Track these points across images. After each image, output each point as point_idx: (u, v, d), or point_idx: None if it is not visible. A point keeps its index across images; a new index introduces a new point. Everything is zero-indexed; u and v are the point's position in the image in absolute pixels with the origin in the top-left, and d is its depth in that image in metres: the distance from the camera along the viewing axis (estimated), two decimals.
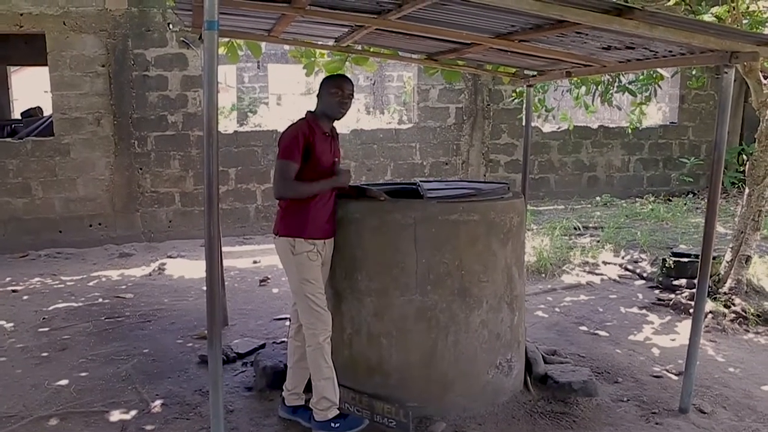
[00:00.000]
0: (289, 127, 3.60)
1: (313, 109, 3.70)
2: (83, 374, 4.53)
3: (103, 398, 4.14)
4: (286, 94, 19.94)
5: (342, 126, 11.06)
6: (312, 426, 3.58)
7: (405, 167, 10.60)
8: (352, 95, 3.67)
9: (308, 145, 3.49)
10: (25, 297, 6.59)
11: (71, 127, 8.92)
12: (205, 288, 3.03)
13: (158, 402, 4.05)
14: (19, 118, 12.48)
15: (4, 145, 8.86)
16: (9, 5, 8.42)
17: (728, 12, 5.47)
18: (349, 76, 3.99)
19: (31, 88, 16.96)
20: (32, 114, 12.03)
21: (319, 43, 5.24)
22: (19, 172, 8.77)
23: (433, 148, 10.76)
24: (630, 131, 9.77)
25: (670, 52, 3.73)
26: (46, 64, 8.93)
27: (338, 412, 3.56)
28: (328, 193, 3.63)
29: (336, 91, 3.57)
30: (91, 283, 7.13)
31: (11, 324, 5.65)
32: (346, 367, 3.85)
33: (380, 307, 3.71)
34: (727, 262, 5.84)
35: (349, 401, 3.76)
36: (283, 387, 3.83)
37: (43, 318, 5.82)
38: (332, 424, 3.52)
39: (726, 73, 3.52)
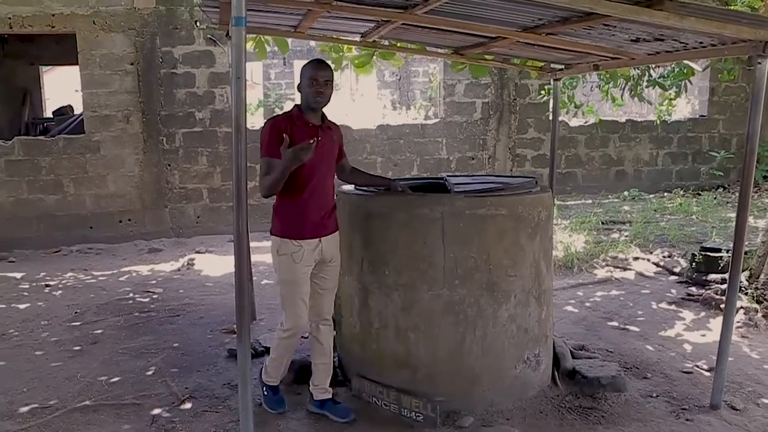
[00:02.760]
0: (267, 121, 3.52)
1: (299, 103, 3.59)
2: (114, 367, 4.60)
3: (133, 391, 4.20)
4: None
5: (368, 121, 11.12)
6: (258, 378, 3.89)
7: (431, 162, 10.58)
8: (330, 81, 3.48)
9: (286, 136, 3.32)
10: (57, 292, 6.71)
11: (101, 125, 9.06)
12: (233, 283, 3.06)
13: (187, 396, 4.10)
14: (51, 116, 12.71)
15: (36, 143, 9.02)
16: (41, 6, 8.57)
17: (762, 0, 5.37)
18: (373, 70, 3.90)
19: (63, 87, 17.24)
20: (63, 112, 12.25)
21: (346, 38, 5.25)
22: (51, 169, 8.94)
23: (459, 143, 10.73)
24: (658, 124, 9.63)
25: (701, 43, 3.66)
26: (76, 64, 9.08)
27: (276, 384, 3.85)
28: (321, 190, 3.53)
29: (311, 80, 3.43)
30: (121, 278, 7.24)
31: (45, 318, 5.76)
32: (374, 362, 3.86)
33: (408, 302, 3.71)
34: (759, 257, 5.74)
35: (376, 395, 3.78)
36: (310, 382, 3.86)
37: (75, 312, 5.93)
38: (264, 390, 3.86)
39: (760, 63, 3.45)
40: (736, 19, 3.14)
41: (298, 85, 3.54)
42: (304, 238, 3.49)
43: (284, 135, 3.33)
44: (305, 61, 3.67)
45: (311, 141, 3.29)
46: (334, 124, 3.73)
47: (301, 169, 3.39)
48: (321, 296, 3.70)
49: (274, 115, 3.55)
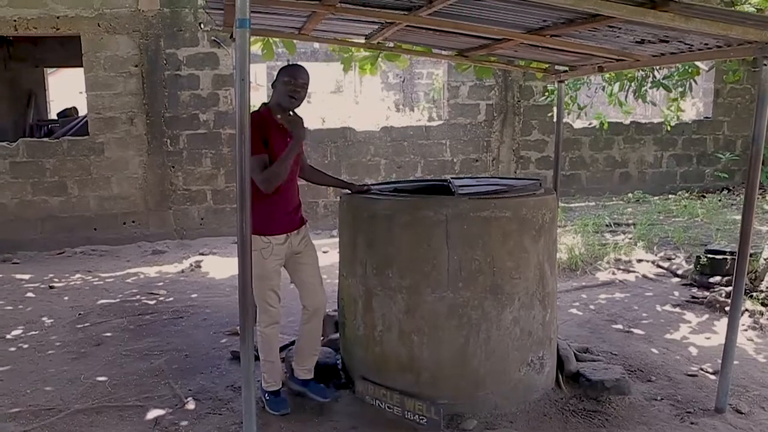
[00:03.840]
0: None
1: (267, 101, 3.72)
2: (118, 369, 4.61)
3: (137, 393, 4.20)
4: (316, 93, 20.00)
5: (372, 123, 11.11)
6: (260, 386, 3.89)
7: (435, 164, 10.57)
8: (306, 86, 3.62)
9: (265, 137, 3.51)
10: (61, 293, 6.72)
11: (105, 127, 9.08)
12: (236, 285, 3.05)
13: (190, 397, 4.10)
14: (56, 118, 12.75)
15: (41, 144, 9.05)
16: (46, 9, 8.60)
17: None
18: (377, 72, 3.98)
19: (67, 89, 17.28)
20: (68, 114, 12.29)
21: (350, 40, 5.24)
22: (55, 171, 8.96)
23: (463, 145, 10.72)
24: (668, 129, 9.57)
25: (706, 44, 3.65)
26: (81, 66, 9.11)
27: (277, 388, 3.87)
28: (289, 187, 3.69)
29: (288, 80, 3.55)
30: (125, 280, 7.25)
31: (49, 320, 5.77)
32: (377, 364, 3.86)
33: (411, 304, 3.70)
34: (765, 260, 5.72)
35: (380, 398, 3.77)
36: (293, 358, 4.08)
37: (79, 314, 5.93)
38: (265, 395, 3.87)
39: (765, 65, 3.43)
40: (742, 20, 3.13)
41: (273, 83, 3.65)
42: (273, 234, 3.63)
43: (288, 141, 3.56)
44: (310, 63, 3.76)
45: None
46: (298, 117, 3.74)
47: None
48: (304, 287, 3.88)
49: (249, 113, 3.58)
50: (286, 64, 16.51)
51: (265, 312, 3.75)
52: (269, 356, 3.86)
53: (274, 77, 3.65)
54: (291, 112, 3.66)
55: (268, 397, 3.87)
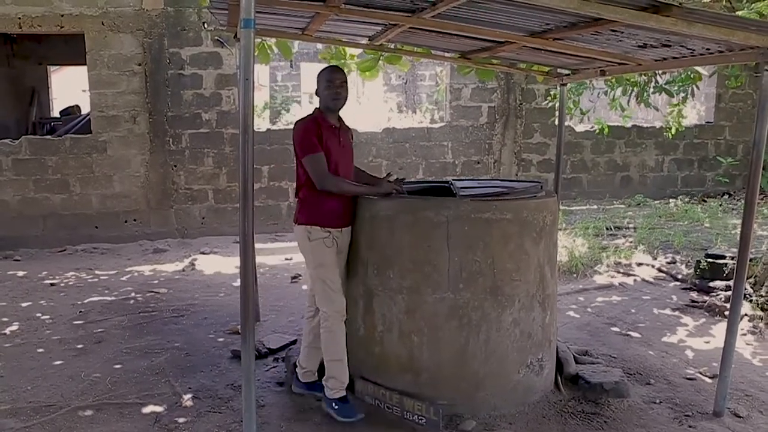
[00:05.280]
0: (297, 123, 3.73)
1: (318, 105, 3.82)
2: (118, 367, 4.62)
3: (137, 390, 4.21)
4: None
5: (374, 124, 11.13)
6: (323, 398, 3.80)
7: (437, 166, 10.58)
8: (345, 83, 3.74)
9: (318, 137, 3.63)
10: (62, 291, 6.73)
11: (108, 125, 9.09)
12: (237, 284, 3.07)
13: (190, 395, 4.11)
14: (59, 116, 12.78)
15: (43, 142, 9.06)
16: (51, 7, 8.62)
17: None
18: (379, 74, 4.06)
19: (70, 87, 17.29)
20: (71, 112, 12.33)
21: (353, 41, 5.26)
22: (57, 168, 8.97)
23: (465, 147, 10.73)
24: (671, 135, 9.59)
25: (708, 49, 3.67)
26: (84, 64, 9.12)
27: (344, 394, 3.74)
28: None
29: (328, 84, 3.69)
30: (125, 278, 7.26)
31: (49, 317, 5.78)
32: (377, 364, 3.87)
33: (412, 305, 3.71)
34: (765, 265, 5.73)
35: (379, 398, 3.78)
36: (297, 363, 4.03)
37: (80, 311, 5.94)
38: (333, 405, 3.72)
39: (767, 70, 3.44)
40: (744, 25, 3.14)
41: (316, 90, 3.78)
42: (332, 227, 3.74)
43: (341, 143, 3.77)
44: (312, 64, 3.84)
45: (345, 150, 3.79)
46: (347, 125, 3.95)
47: (336, 168, 3.70)
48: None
49: (301, 118, 3.76)
50: (290, 63, 16.38)
51: (332, 303, 3.67)
52: (335, 355, 3.72)
53: (315, 82, 3.78)
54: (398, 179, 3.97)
55: (336, 406, 3.70)
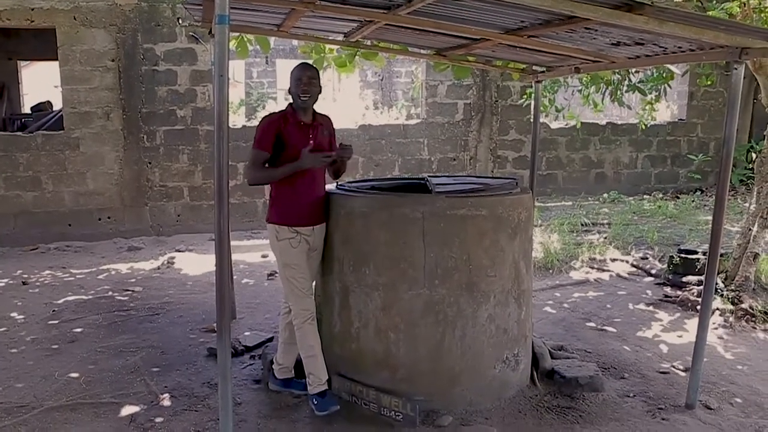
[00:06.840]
0: (265, 116, 3.79)
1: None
2: (92, 366, 4.57)
3: (112, 390, 4.17)
4: None
5: (350, 121, 11.11)
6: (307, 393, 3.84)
7: (413, 163, 10.61)
8: (314, 80, 3.73)
9: (280, 134, 3.64)
10: (35, 289, 6.64)
11: (81, 122, 8.97)
12: (213, 281, 3.05)
13: (166, 394, 4.08)
14: (29, 112, 12.55)
15: (14, 139, 8.92)
16: (20, 0, 8.46)
17: (739, 8, 5.44)
18: (355, 70, 4.08)
19: (41, 82, 17.04)
20: (42, 108, 12.10)
21: (329, 38, 5.25)
22: (29, 165, 8.84)
23: (441, 144, 10.77)
24: (642, 129, 9.73)
25: (680, 48, 3.72)
26: (56, 59, 8.99)
27: (323, 389, 3.77)
28: (313, 181, 3.77)
29: (297, 81, 3.70)
30: (100, 276, 7.18)
31: (22, 316, 5.70)
32: (354, 361, 3.87)
33: (388, 301, 3.72)
34: (735, 260, 5.83)
35: (356, 394, 3.79)
36: (274, 360, 4.05)
37: (53, 310, 5.87)
38: (314, 400, 3.76)
39: (736, 69, 3.51)
40: (714, 25, 3.19)
41: (288, 88, 3.78)
42: (301, 225, 3.72)
43: (310, 139, 3.71)
44: (288, 60, 3.85)
45: (328, 156, 3.71)
46: (325, 117, 3.95)
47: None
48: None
49: (271, 112, 3.80)
50: (266, 60, 16.30)
51: (301, 302, 3.71)
52: (308, 351, 3.76)
53: (288, 81, 3.79)
54: (342, 144, 3.85)
55: (316, 401, 3.74)
